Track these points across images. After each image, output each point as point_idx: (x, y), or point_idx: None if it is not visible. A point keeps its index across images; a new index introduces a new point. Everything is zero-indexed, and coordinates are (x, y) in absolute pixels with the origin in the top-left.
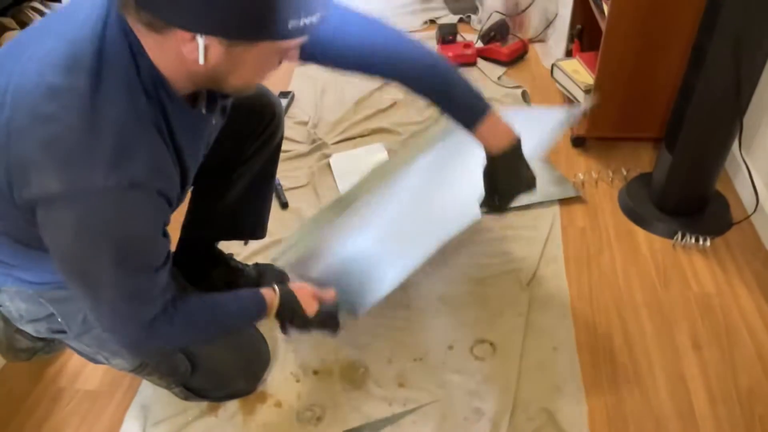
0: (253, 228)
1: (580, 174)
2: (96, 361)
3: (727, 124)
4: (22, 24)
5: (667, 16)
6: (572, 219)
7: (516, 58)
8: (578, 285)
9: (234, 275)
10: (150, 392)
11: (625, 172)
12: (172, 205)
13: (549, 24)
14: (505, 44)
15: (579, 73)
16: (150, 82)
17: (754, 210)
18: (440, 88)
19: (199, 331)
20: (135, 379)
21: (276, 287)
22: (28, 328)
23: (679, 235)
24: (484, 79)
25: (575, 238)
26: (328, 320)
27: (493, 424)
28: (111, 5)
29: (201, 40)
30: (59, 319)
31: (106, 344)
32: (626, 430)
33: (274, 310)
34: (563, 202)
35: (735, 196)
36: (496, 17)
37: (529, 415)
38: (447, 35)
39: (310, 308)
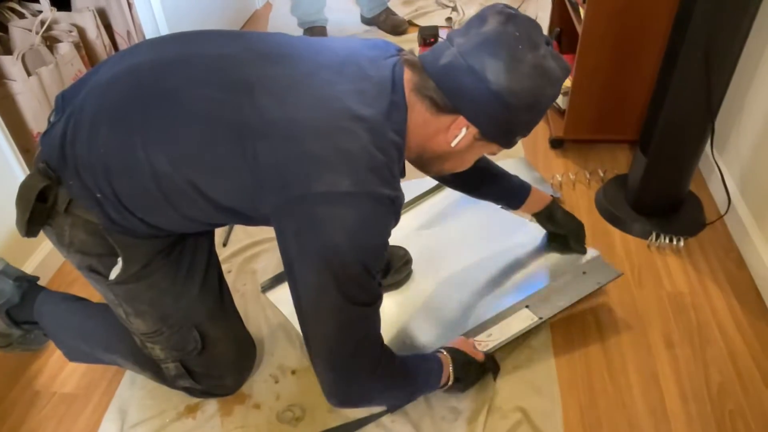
0: None
1: (557, 175)
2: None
3: (699, 127)
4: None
5: (642, 21)
6: None
7: None
8: None
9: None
10: (127, 395)
11: (602, 174)
12: None
13: None
14: None
15: None
16: (403, 140)
17: (727, 210)
18: (508, 192)
19: (399, 388)
20: (112, 382)
21: (443, 350)
22: (73, 257)
23: (654, 235)
24: None
25: None
26: (491, 363)
27: (469, 423)
28: (395, 69)
29: (465, 129)
30: (118, 260)
31: (133, 302)
32: (599, 427)
33: (449, 368)
34: None
35: (708, 196)
36: None
37: (504, 414)
38: (428, 37)
39: (479, 356)
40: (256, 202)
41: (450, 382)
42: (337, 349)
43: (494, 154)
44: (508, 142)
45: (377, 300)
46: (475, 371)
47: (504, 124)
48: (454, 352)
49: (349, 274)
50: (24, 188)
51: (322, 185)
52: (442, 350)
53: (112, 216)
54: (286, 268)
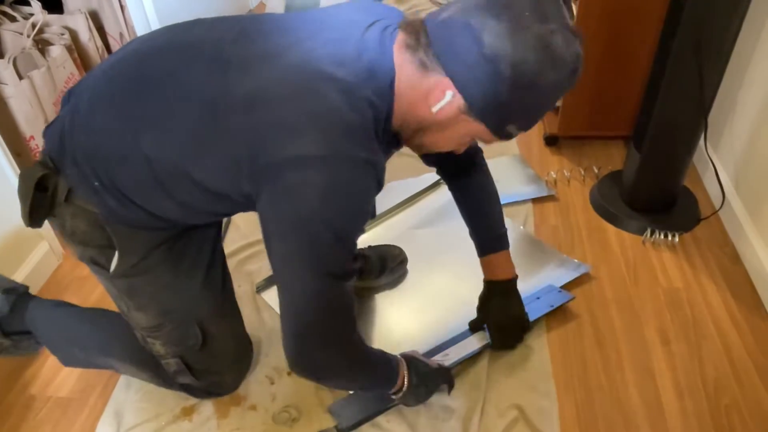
0: None
1: (552, 172)
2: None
3: (692, 122)
4: None
5: (634, 16)
6: (545, 217)
7: None
8: None
9: (360, 263)
10: (123, 398)
11: (596, 170)
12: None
13: None
14: None
15: None
16: (389, 107)
17: (721, 205)
18: (486, 233)
19: (360, 371)
20: (108, 386)
21: (398, 355)
22: (75, 249)
23: (649, 231)
24: None
25: (548, 236)
26: (447, 374)
27: (463, 422)
28: (385, 32)
29: (450, 95)
30: (116, 251)
31: (134, 296)
32: (595, 424)
33: (403, 371)
34: (536, 200)
35: (703, 192)
36: None
37: (500, 412)
38: None
39: (433, 363)
40: (237, 180)
41: (405, 384)
42: (303, 317)
43: (486, 142)
44: (497, 127)
45: (347, 276)
46: (431, 377)
47: (493, 99)
48: (411, 358)
49: (321, 242)
50: (22, 178)
51: (292, 150)
52: (397, 355)
53: (110, 205)
54: (265, 242)
